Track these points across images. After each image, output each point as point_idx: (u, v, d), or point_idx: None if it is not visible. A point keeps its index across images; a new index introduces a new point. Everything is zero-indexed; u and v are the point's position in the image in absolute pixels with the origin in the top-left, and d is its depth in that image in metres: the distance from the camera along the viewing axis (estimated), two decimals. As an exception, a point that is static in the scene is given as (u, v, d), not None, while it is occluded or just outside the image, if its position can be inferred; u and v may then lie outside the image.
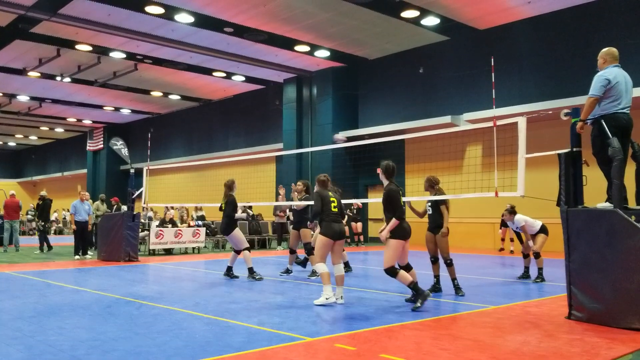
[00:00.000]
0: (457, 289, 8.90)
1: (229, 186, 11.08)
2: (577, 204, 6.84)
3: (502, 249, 18.11)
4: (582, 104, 6.98)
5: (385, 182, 7.96)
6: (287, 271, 11.68)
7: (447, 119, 19.54)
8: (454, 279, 8.98)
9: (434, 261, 9.14)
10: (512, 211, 10.81)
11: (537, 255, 10.53)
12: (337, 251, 8.15)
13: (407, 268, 7.86)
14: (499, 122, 8.44)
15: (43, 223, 17.71)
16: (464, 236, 19.24)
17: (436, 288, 9.03)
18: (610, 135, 6.63)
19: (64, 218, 36.04)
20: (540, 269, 10.55)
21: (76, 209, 15.47)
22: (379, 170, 8.09)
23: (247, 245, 11.06)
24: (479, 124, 10.85)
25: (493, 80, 9.46)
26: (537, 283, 10.34)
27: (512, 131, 8.34)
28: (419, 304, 7.34)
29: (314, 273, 11.19)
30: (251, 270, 10.67)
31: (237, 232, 10.99)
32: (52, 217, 34.94)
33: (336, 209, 8.31)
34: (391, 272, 7.46)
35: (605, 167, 6.85)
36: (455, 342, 5.56)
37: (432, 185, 9.15)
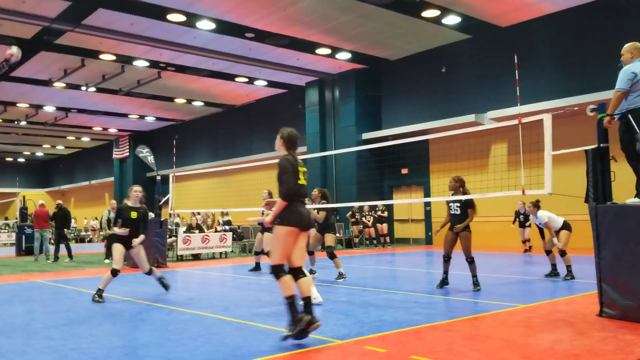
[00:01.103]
0: (476, 284, 9.19)
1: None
2: (606, 200, 6.75)
3: (526, 250, 17.64)
4: (608, 98, 6.89)
5: (283, 154, 6.05)
6: (311, 272, 11.69)
7: (471, 117, 19.42)
8: (474, 276, 9.24)
9: (447, 260, 9.40)
10: (536, 204, 10.72)
11: (562, 253, 10.43)
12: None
13: (297, 273, 5.74)
14: (524, 120, 8.37)
15: (67, 231, 18.01)
16: (491, 235, 19.08)
17: (444, 282, 9.48)
18: (638, 130, 6.53)
19: (92, 227, 36.48)
20: (568, 267, 10.45)
21: None
22: (278, 141, 6.13)
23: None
24: (504, 122, 10.77)
25: (517, 78, 9.39)
26: (567, 280, 10.23)
27: (538, 128, 8.26)
28: (290, 332, 5.55)
29: (340, 275, 11.06)
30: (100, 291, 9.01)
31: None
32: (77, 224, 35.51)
33: None
34: (275, 271, 5.66)
35: (633, 162, 6.76)
36: (486, 342, 5.53)
37: (461, 186, 9.28)
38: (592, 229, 6.72)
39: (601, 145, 6.83)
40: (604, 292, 6.60)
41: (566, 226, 10.56)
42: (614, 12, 16.95)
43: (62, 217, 18.05)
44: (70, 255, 17.69)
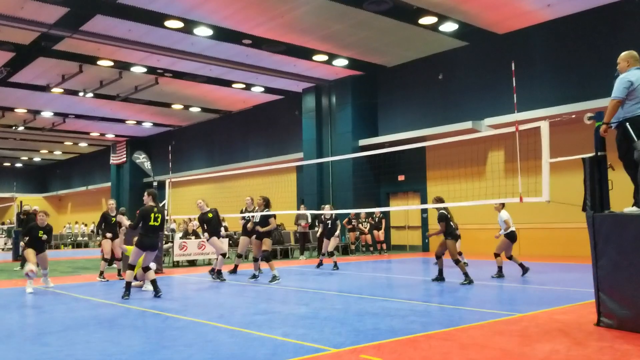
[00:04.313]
0: (439, 275, 11.51)
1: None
2: (603, 209, 6.74)
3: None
4: (606, 106, 6.89)
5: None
6: (254, 276, 12.73)
7: (468, 124, 19.39)
8: (441, 269, 11.51)
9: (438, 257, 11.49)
10: (502, 204, 11.77)
11: (496, 255, 12.07)
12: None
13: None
14: (521, 127, 8.38)
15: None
16: (486, 243, 19.01)
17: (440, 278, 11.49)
18: (635, 138, 6.52)
19: (92, 231, 36.42)
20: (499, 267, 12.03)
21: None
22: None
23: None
24: (501, 129, 10.78)
25: (514, 85, 9.42)
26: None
27: (535, 136, 8.27)
28: None
29: (274, 278, 11.97)
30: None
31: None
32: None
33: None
34: None
35: (631, 171, 6.74)
36: (482, 352, 5.50)
37: (439, 202, 11.24)
38: (589, 237, 6.71)
39: (599, 153, 6.82)
40: (601, 302, 6.57)
41: (510, 236, 11.83)
42: (611, 20, 16.99)
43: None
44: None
